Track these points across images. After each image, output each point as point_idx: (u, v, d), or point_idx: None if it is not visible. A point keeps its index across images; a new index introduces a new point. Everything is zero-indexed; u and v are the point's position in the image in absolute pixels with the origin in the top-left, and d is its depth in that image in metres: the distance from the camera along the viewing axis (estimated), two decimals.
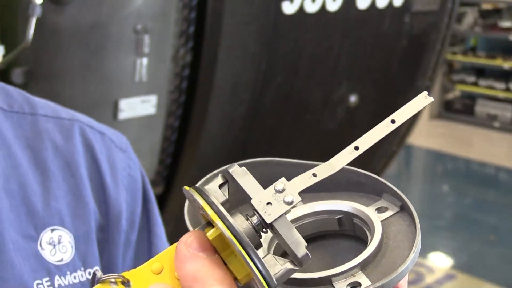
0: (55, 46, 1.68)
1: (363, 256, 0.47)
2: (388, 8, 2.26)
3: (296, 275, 0.47)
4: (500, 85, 7.14)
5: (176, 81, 1.98)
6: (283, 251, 0.49)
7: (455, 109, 7.49)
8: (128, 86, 1.80)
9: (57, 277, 0.71)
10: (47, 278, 0.70)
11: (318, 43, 2.15)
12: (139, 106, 1.84)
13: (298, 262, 0.44)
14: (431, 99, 0.47)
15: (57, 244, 0.72)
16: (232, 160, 0.49)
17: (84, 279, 0.73)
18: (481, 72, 7.37)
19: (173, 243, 0.46)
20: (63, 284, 0.71)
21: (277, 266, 0.44)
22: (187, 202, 0.50)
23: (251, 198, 0.44)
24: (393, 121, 0.47)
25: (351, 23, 2.20)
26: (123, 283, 0.45)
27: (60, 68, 1.71)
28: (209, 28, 1.91)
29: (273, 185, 0.45)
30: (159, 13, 1.81)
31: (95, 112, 1.69)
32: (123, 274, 0.46)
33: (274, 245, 0.51)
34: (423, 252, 4.11)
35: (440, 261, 4.17)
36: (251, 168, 0.46)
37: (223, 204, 0.44)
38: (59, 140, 0.77)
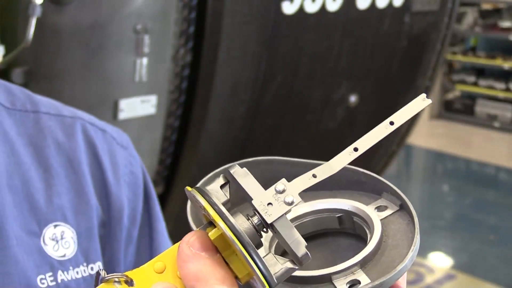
0: (55, 46, 1.68)
1: (363, 254, 0.48)
2: (388, 8, 2.26)
3: (296, 273, 0.47)
4: (500, 85, 7.14)
5: (176, 81, 1.98)
6: (283, 250, 0.50)
7: (455, 109, 7.49)
8: (128, 86, 1.80)
9: (60, 272, 0.72)
10: (50, 273, 0.71)
11: (318, 43, 2.15)
12: (139, 106, 1.84)
13: (298, 262, 0.44)
14: (429, 101, 0.48)
15: (60, 240, 0.73)
16: (232, 160, 0.50)
17: (86, 274, 0.74)
18: (481, 72, 7.37)
19: (174, 242, 0.47)
20: (66, 279, 0.72)
21: (277, 265, 0.44)
22: (189, 202, 0.51)
23: (252, 199, 0.45)
24: (391, 123, 0.47)
25: (351, 23, 2.20)
26: (126, 282, 0.46)
27: (60, 68, 1.71)
28: (209, 28, 1.91)
29: (274, 185, 0.46)
30: (159, 13, 1.81)
31: (95, 112, 1.69)
32: (126, 273, 0.46)
33: (275, 244, 0.52)
34: (423, 252, 4.11)
35: (440, 261, 4.17)
36: (252, 167, 0.47)
37: (224, 204, 0.45)
38: (61, 137, 0.78)
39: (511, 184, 5.97)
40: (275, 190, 0.45)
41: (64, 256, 0.73)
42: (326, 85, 2.26)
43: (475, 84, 7.35)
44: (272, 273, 0.44)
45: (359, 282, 0.47)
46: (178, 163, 2.09)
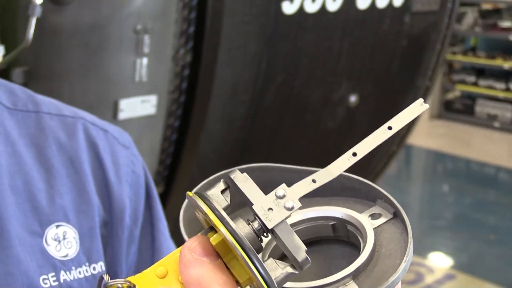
0: (55, 46, 1.68)
1: (355, 266, 0.48)
2: (388, 8, 2.26)
3: (288, 285, 0.48)
4: (500, 85, 7.14)
5: (176, 81, 1.98)
6: (280, 255, 0.50)
7: (455, 109, 7.49)
8: (128, 86, 1.80)
9: (62, 272, 0.72)
10: (53, 273, 0.72)
11: (318, 43, 2.15)
12: (139, 106, 1.84)
13: (298, 266, 0.45)
14: (426, 106, 0.48)
15: (62, 240, 0.74)
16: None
17: (89, 274, 0.75)
18: (481, 72, 7.37)
19: (174, 242, 0.47)
20: (68, 279, 0.73)
21: (278, 270, 0.45)
22: (182, 210, 0.52)
23: (252, 204, 0.46)
24: (390, 128, 0.48)
25: (351, 23, 2.20)
26: (129, 287, 0.47)
27: (60, 68, 1.71)
28: (209, 28, 1.91)
29: (274, 191, 0.46)
30: (159, 13, 1.81)
31: (95, 112, 1.69)
32: (129, 278, 0.47)
33: (271, 248, 0.52)
34: (423, 252, 4.11)
35: (440, 261, 4.17)
36: (248, 173, 0.47)
37: (225, 209, 0.46)
38: (62, 137, 0.78)
39: (511, 184, 5.97)
40: (275, 195, 0.46)
41: (66, 256, 0.73)
42: (326, 85, 2.26)
43: (475, 84, 7.35)
44: (273, 277, 0.44)
45: None
46: (178, 163, 2.09)
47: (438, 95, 7.41)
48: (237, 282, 0.46)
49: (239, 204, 0.51)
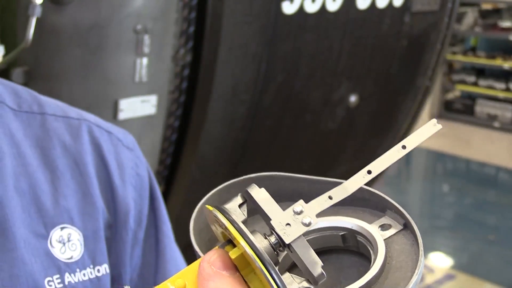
0: (55, 46, 1.68)
1: (366, 279, 0.48)
2: (388, 8, 2.26)
3: None
4: (500, 85, 7.14)
5: (176, 81, 1.98)
6: (288, 267, 0.51)
7: (455, 109, 7.49)
8: (128, 86, 1.80)
9: (67, 274, 0.73)
10: (58, 276, 0.72)
11: (318, 43, 2.15)
12: (139, 106, 1.84)
13: (314, 281, 0.46)
14: (439, 126, 0.50)
15: (67, 242, 0.74)
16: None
17: (93, 276, 0.75)
18: (481, 72, 7.37)
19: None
20: (73, 282, 0.73)
21: (294, 284, 0.46)
22: (192, 220, 0.52)
23: (270, 219, 0.47)
24: (404, 147, 0.50)
25: (351, 23, 2.20)
26: None
27: (60, 68, 1.71)
28: (209, 28, 1.91)
29: (292, 207, 0.47)
30: (159, 13, 1.81)
31: (95, 112, 1.68)
32: None
33: (280, 260, 0.52)
34: (423, 252, 4.10)
35: (440, 261, 4.17)
36: (256, 183, 0.48)
37: (243, 223, 0.47)
38: (67, 139, 0.78)
39: (511, 184, 5.96)
40: (293, 211, 0.47)
41: (71, 258, 0.74)
42: (326, 85, 2.26)
43: (475, 84, 7.35)
44: None
45: None
46: (178, 163, 2.09)
47: (438, 95, 7.41)
48: None
49: (256, 220, 0.52)
